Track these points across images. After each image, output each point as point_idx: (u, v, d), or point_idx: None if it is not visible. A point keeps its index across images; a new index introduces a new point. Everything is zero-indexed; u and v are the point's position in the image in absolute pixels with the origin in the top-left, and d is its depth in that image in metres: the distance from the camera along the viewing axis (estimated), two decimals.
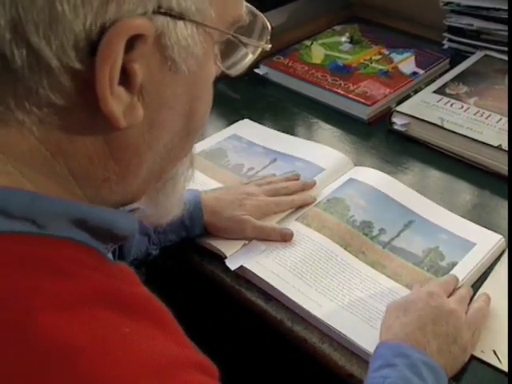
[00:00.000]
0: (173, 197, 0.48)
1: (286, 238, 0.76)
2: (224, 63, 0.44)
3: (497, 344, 0.64)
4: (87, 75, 0.35)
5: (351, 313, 0.69)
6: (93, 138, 0.38)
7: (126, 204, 0.44)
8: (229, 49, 0.44)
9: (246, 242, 0.77)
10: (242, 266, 0.74)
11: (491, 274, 0.74)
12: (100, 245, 0.40)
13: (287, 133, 0.99)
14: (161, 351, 0.35)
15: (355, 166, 0.91)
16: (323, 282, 0.72)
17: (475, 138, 0.91)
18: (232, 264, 0.74)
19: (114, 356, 0.32)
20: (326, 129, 1.02)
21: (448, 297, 0.67)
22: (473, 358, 0.64)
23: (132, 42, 0.35)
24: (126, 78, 0.36)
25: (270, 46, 0.47)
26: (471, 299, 0.69)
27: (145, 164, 0.41)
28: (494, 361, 0.63)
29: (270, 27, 0.47)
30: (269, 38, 0.47)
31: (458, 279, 0.70)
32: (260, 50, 0.47)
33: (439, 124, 0.95)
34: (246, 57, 0.47)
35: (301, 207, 0.82)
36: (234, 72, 0.46)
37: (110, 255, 0.43)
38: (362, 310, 0.69)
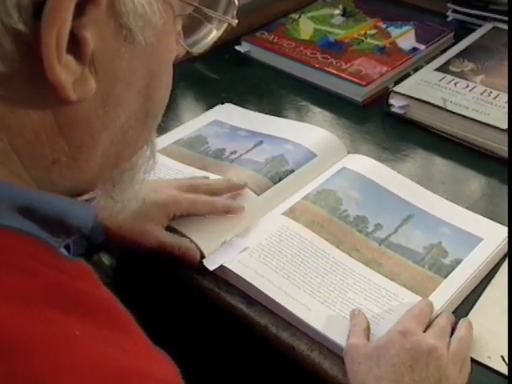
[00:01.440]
0: (130, 190, 0.48)
1: (188, 259, 0.74)
2: (186, 41, 0.45)
3: (504, 349, 0.66)
4: (32, 39, 0.36)
5: (344, 317, 0.70)
6: (40, 112, 0.38)
7: (80, 193, 0.45)
8: (191, 25, 0.45)
9: (227, 238, 0.78)
10: (221, 266, 0.75)
11: (499, 272, 0.75)
12: (50, 237, 0.40)
13: (273, 115, 1.00)
14: (114, 359, 0.35)
15: (348, 153, 0.93)
16: (312, 283, 0.73)
17: (482, 120, 0.93)
18: (210, 264, 0.75)
19: (56, 358, 0.33)
20: (315, 112, 1.04)
21: (425, 330, 0.65)
22: (479, 364, 0.66)
23: (82, 6, 0.36)
24: (76, 47, 0.37)
25: (236, 21, 0.48)
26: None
27: (99, 145, 0.42)
28: (501, 367, 0.65)
29: (237, 1, 0.47)
30: (235, 12, 0.47)
31: (432, 305, 0.69)
32: (226, 25, 0.48)
33: (442, 105, 0.96)
34: (210, 33, 0.48)
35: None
36: (197, 50, 0.47)
37: (63, 250, 0.43)
38: None
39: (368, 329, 0.67)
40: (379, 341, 0.63)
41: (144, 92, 0.42)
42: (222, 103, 1.03)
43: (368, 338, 0.65)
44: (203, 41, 0.48)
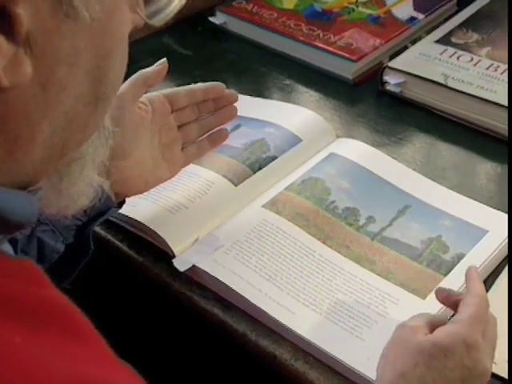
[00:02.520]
0: (80, 182, 0.48)
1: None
2: (145, 9, 0.45)
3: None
4: None
5: (332, 321, 0.71)
6: None
7: (22, 188, 0.44)
8: None
9: (200, 235, 0.79)
10: (193, 267, 0.75)
11: (506, 269, 0.76)
12: None
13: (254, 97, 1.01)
14: (65, 369, 0.36)
15: (338, 137, 0.93)
16: (297, 283, 0.74)
17: (488, 98, 0.94)
18: (181, 264, 0.75)
19: None
20: (301, 92, 1.05)
21: None
22: None
23: None
24: (7, 25, 0.36)
25: None
26: None
27: (39, 136, 0.42)
28: (507, 373, 0.66)
29: None
30: None
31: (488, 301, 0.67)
32: None
33: (443, 82, 0.98)
34: (172, 2, 0.48)
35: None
36: (157, 22, 0.47)
37: (7, 247, 0.43)
38: (346, 317, 0.71)
39: (439, 321, 0.65)
40: (441, 339, 0.61)
41: (93, 73, 0.42)
42: (195, 83, 1.03)
43: (430, 329, 0.63)
44: (164, 10, 0.48)
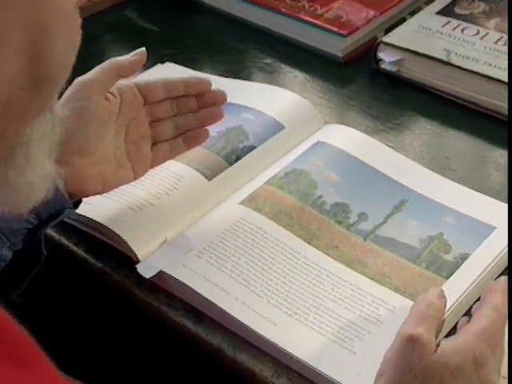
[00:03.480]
0: (28, 171, 0.48)
1: None
2: None
3: None
4: None
5: (318, 332, 0.71)
6: None
7: None
8: None
9: (168, 236, 0.79)
10: (161, 272, 0.75)
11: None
12: None
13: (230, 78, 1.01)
14: None
15: (326, 123, 0.93)
16: (279, 290, 0.74)
17: (496, 76, 0.94)
18: (147, 270, 0.75)
19: None
20: (284, 72, 1.05)
21: None
22: None
23: None
24: None
25: None
26: None
27: None
28: None
29: None
30: None
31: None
32: None
33: (445, 59, 0.98)
34: None
35: None
36: None
37: None
38: (335, 327, 0.71)
39: (443, 323, 0.66)
40: (452, 359, 0.61)
41: (28, 52, 0.42)
42: (162, 62, 1.03)
43: (437, 338, 0.64)
44: None
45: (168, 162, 0.84)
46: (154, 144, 0.80)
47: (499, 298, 0.65)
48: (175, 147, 0.81)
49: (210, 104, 0.82)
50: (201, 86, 0.82)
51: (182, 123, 0.82)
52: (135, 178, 0.79)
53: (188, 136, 0.82)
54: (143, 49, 0.77)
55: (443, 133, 0.95)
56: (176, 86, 0.80)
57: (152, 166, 0.81)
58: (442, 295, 0.67)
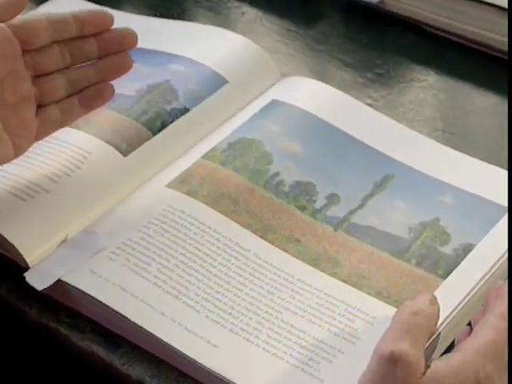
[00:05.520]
0: None
1: None
2: None
3: None
4: None
5: (275, 355, 0.70)
6: None
7: None
8: None
9: (69, 233, 0.78)
10: (60, 282, 0.74)
11: None
12: None
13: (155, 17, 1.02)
14: None
15: (283, 76, 0.94)
16: (221, 301, 0.74)
17: (503, 5, 0.95)
18: (39, 279, 0.74)
19: None
20: (228, 7, 1.05)
21: None
22: None
23: None
24: None
25: None
26: None
27: None
28: None
29: None
30: None
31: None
32: None
33: None
34: None
35: None
36: None
37: None
38: (296, 347, 0.71)
39: (437, 338, 0.67)
40: (440, 383, 0.62)
41: None
42: None
43: (428, 356, 0.64)
44: None
45: (64, 130, 0.83)
46: (39, 107, 0.80)
47: (506, 303, 0.66)
48: (69, 110, 0.81)
49: (114, 49, 0.81)
50: (100, 21, 0.81)
51: (78, 77, 0.81)
52: (17, 155, 0.79)
53: (86, 94, 0.82)
54: None
55: (438, 85, 0.96)
56: (66, 23, 0.79)
57: (39, 138, 0.80)
58: (433, 301, 0.67)
